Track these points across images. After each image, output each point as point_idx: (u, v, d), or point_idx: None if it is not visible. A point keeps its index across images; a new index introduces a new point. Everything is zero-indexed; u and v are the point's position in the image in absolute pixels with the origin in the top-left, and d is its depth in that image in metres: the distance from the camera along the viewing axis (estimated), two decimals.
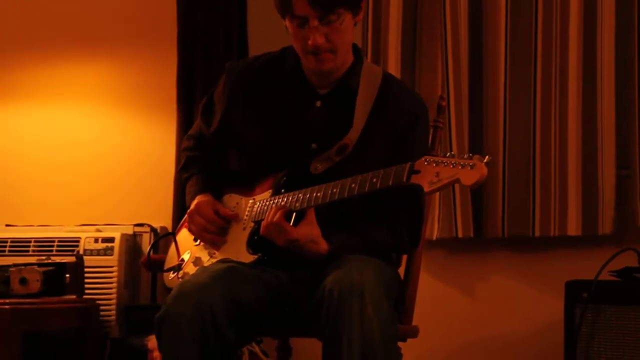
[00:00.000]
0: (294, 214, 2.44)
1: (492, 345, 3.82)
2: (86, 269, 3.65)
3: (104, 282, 3.85)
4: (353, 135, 2.51)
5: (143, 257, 3.61)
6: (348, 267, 2.31)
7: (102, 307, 3.79)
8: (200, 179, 2.74)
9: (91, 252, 3.87)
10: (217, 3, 4.13)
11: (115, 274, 3.86)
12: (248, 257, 2.51)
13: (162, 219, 4.04)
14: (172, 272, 2.69)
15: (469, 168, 2.10)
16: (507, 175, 3.74)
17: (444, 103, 2.91)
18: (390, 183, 2.24)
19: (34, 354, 3.57)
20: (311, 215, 2.43)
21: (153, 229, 3.97)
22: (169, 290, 2.61)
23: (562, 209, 3.66)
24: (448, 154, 2.17)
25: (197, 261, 2.63)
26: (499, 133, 3.76)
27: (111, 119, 4.35)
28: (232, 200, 2.67)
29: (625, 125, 3.68)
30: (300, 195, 2.43)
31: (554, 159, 3.68)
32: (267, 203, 2.53)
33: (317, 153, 2.54)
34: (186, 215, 2.73)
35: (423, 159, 2.18)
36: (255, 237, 2.53)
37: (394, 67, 3.86)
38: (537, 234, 3.69)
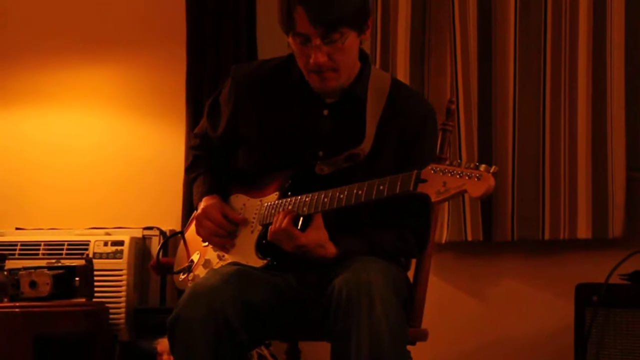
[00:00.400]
0: (301, 218, 2.45)
1: (501, 349, 3.81)
2: (96, 272, 3.65)
3: (114, 285, 3.86)
4: (365, 146, 2.50)
5: (152, 260, 3.62)
6: (357, 268, 2.30)
7: (111, 310, 3.79)
8: (207, 179, 2.74)
9: (101, 256, 3.87)
10: (226, 7, 4.13)
11: (124, 277, 3.87)
12: (257, 262, 2.51)
13: (171, 222, 4.04)
14: (182, 273, 2.69)
15: (476, 179, 2.11)
16: (516, 177, 3.73)
17: (453, 106, 2.91)
18: (397, 191, 2.24)
19: (44, 357, 3.57)
20: (318, 220, 2.43)
21: (162, 232, 3.97)
22: (180, 291, 2.61)
23: (572, 212, 3.65)
24: (455, 162, 2.16)
25: (206, 263, 2.63)
26: (508, 136, 3.75)
27: (120, 122, 4.35)
28: (239, 201, 2.67)
29: (635, 128, 3.68)
30: (307, 199, 2.43)
31: (564, 161, 3.67)
32: (275, 206, 2.53)
33: (325, 159, 2.54)
34: (194, 214, 2.74)
35: (430, 167, 2.18)
36: (264, 242, 2.53)
37: (402, 71, 3.86)
38: (546, 237, 3.68)
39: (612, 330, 3.10)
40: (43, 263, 3.66)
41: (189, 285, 2.57)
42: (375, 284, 2.25)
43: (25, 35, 4.44)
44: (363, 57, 2.61)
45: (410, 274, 2.71)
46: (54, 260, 3.71)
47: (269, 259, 2.50)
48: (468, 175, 2.12)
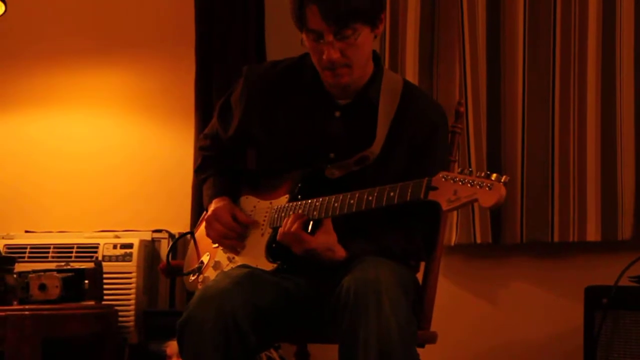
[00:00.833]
0: (311, 222, 2.45)
1: (511, 352, 3.80)
2: (105, 275, 3.66)
3: (123, 288, 3.86)
4: (375, 148, 2.50)
5: (161, 262, 3.62)
6: (365, 267, 2.31)
7: (120, 313, 3.80)
8: (217, 181, 2.75)
9: (110, 258, 3.88)
10: (235, 9, 4.13)
11: (133, 279, 3.87)
12: (267, 265, 2.51)
13: (181, 225, 4.04)
14: (191, 274, 2.70)
15: (487, 189, 2.11)
16: (525, 180, 3.72)
17: (462, 109, 2.91)
18: (408, 199, 2.25)
19: (54, 359, 3.58)
20: (328, 224, 2.43)
21: (171, 235, 3.98)
22: (190, 293, 2.62)
23: (581, 214, 3.64)
24: (466, 170, 2.16)
25: (216, 265, 2.64)
26: (517, 138, 3.74)
27: (129, 124, 4.36)
28: (249, 203, 2.67)
29: None
30: (317, 203, 2.43)
31: (573, 164, 3.67)
32: (285, 209, 2.53)
33: (335, 162, 2.54)
34: (203, 215, 2.74)
35: (440, 175, 2.18)
36: (274, 245, 2.53)
37: (411, 73, 3.86)
38: (556, 239, 3.68)
39: (621, 333, 3.09)
40: (52, 266, 3.67)
41: (199, 287, 2.58)
42: (383, 283, 2.25)
43: (35, 39, 4.45)
44: (376, 59, 2.61)
45: (420, 276, 2.71)
46: (63, 263, 3.72)
47: (279, 262, 2.51)
48: (479, 185, 2.12)
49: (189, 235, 2.86)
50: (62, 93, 4.41)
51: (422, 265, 2.76)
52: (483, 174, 2.14)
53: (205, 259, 2.70)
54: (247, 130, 2.68)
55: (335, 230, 2.44)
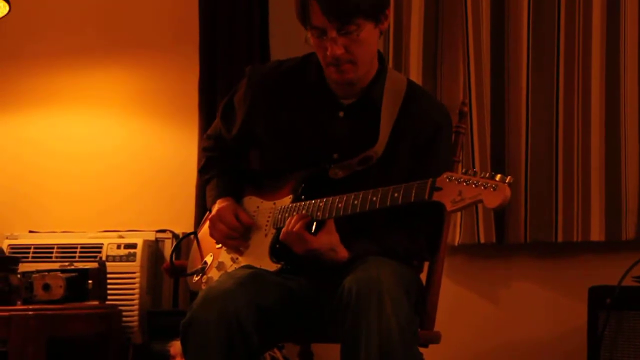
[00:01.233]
0: (315, 222, 2.45)
1: (514, 351, 3.80)
2: (109, 275, 3.66)
3: (127, 288, 3.87)
4: (378, 148, 2.50)
5: (165, 263, 3.62)
6: (367, 267, 2.31)
7: (124, 313, 3.80)
8: (220, 181, 2.75)
9: (114, 258, 3.88)
10: (238, 10, 4.14)
11: (137, 279, 3.88)
12: (271, 266, 2.51)
13: (184, 225, 4.05)
14: (195, 275, 2.70)
15: (491, 189, 2.10)
16: (529, 179, 3.72)
17: (466, 108, 2.91)
18: (412, 199, 2.24)
19: (58, 359, 3.58)
20: (330, 224, 2.43)
21: (175, 235, 3.98)
22: (193, 293, 2.62)
23: (585, 215, 3.64)
24: (470, 171, 2.16)
25: (220, 266, 2.64)
26: (521, 138, 3.74)
27: (133, 125, 4.37)
28: (253, 203, 2.67)
29: None
30: (321, 204, 2.43)
31: (577, 164, 3.67)
32: (288, 209, 2.53)
33: (339, 163, 2.54)
34: (207, 215, 2.74)
35: (445, 175, 2.18)
36: (277, 245, 2.53)
37: (415, 73, 3.86)
38: (560, 239, 3.68)
39: (625, 333, 3.09)
40: (56, 266, 3.67)
41: (203, 287, 2.57)
42: (385, 283, 2.25)
43: (37, 39, 4.46)
44: (380, 59, 2.61)
45: (423, 276, 2.71)
46: (67, 263, 3.73)
47: (282, 262, 2.50)
48: (484, 186, 2.11)
49: (192, 236, 2.86)
50: (65, 93, 4.42)
51: (426, 265, 2.76)
52: (487, 175, 2.14)
53: (208, 259, 2.70)
54: (250, 130, 2.68)
55: (338, 230, 2.43)
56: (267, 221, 2.60)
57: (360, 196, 2.35)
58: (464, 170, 2.17)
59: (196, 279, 2.69)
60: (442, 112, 2.62)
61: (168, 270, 3.12)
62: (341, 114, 2.58)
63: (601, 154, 3.65)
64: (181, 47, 4.27)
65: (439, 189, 2.18)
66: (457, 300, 3.80)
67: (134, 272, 3.88)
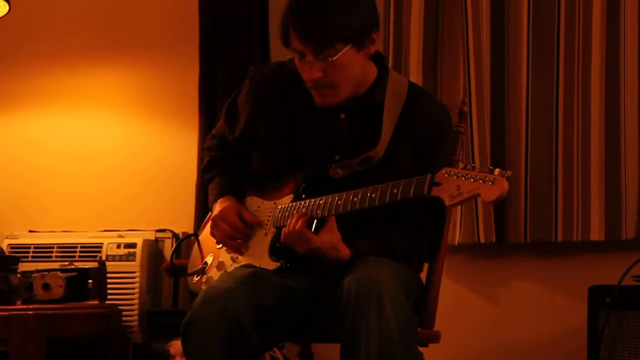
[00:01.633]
0: (315, 221, 2.45)
1: (514, 351, 3.80)
2: (108, 275, 3.66)
3: (127, 287, 3.87)
4: (380, 149, 2.50)
5: (165, 262, 3.62)
6: (366, 267, 2.31)
7: (124, 313, 3.80)
8: (223, 180, 2.75)
9: (113, 258, 3.88)
10: (238, 9, 4.14)
11: (137, 279, 3.88)
12: (271, 264, 2.51)
13: (184, 224, 4.05)
14: (195, 275, 2.70)
15: (490, 183, 2.10)
16: (529, 179, 3.72)
17: (466, 108, 2.91)
18: (411, 195, 2.24)
19: (58, 359, 3.58)
20: (332, 222, 2.43)
21: (175, 235, 3.98)
22: (193, 293, 2.62)
23: (585, 214, 3.64)
24: (469, 166, 2.16)
25: (220, 265, 2.64)
26: (521, 137, 3.74)
27: (133, 125, 4.37)
28: (254, 203, 2.68)
29: None
30: (321, 202, 2.43)
31: (577, 163, 3.67)
32: (289, 208, 2.53)
33: (339, 162, 2.54)
34: (208, 216, 2.74)
35: (444, 170, 2.18)
36: (277, 244, 2.53)
37: (415, 73, 3.86)
38: (559, 239, 3.68)
39: (625, 332, 3.09)
40: (56, 265, 3.67)
41: (203, 287, 2.57)
42: (384, 283, 2.25)
43: (37, 38, 4.46)
44: (380, 61, 2.60)
45: (423, 276, 2.71)
46: (67, 263, 3.72)
47: (282, 261, 2.51)
48: (482, 179, 2.12)
49: (193, 237, 2.87)
50: (65, 93, 4.42)
51: (426, 264, 2.76)
52: (486, 169, 2.14)
53: (209, 259, 2.70)
54: (253, 131, 2.68)
55: (340, 229, 2.43)
56: (268, 220, 2.60)
57: (360, 193, 2.35)
58: (463, 165, 2.18)
59: (196, 279, 2.70)
60: (443, 113, 2.62)
61: (168, 270, 3.12)
62: (342, 115, 2.57)
63: (601, 153, 3.65)
64: (181, 46, 4.28)
65: (438, 184, 2.18)
66: (457, 300, 3.80)
67: (133, 272, 3.88)
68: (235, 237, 2.61)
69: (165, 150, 4.31)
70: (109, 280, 3.66)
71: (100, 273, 3.60)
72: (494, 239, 3.74)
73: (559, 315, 3.73)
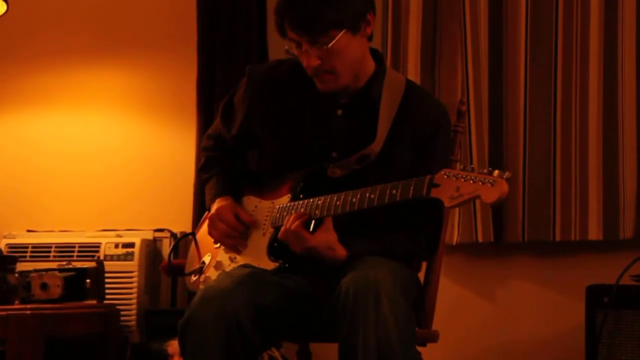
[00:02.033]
0: (313, 221, 2.45)
1: (512, 351, 3.80)
2: (106, 274, 3.66)
3: (125, 287, 3.87)
4: (376, 146, 2.49)
5: (163, 262, 3.62)
6: (364, 267, 2.31)
7: (122, 312, 3.80)
8: (220, 180, 2.75)
9: (111, 258, 3.88)
10: (237, 9, 4.14)
11: (135, 279, 3.88)
12: (269, 264, 2.51)
13: (182, 224, 4.05)
14: (193, 275, 2.70)
15: (489, 185, 2.10)
16: (527, 179, 3.72)
17: (464, 107, 2.91)
18: (410, 196, 2.24)
19: (56, 359, 3.58)
20: (328, 222, 2.43)
21: (173, 234, 3.98)
22: (191, 293, 2.61)
23: (582, 214, 3.64)
24: (468, 167, 2.16)
25: (218, 265, 2.64)
26: (519, 137, 3.74)
27: (131, 125, 4.36)
28: (251, 203, 2.67)
29: None
30: (319, 202, 2.43)
31: (575, 163, 3.67)
32: (287, 208, 2.53)
33: (337, 161, 2.54)
34: (205, 215, 2.73)
35: (443, 172, 2.18)
36: (275, 244, 2.53)
37: (413, 72, 3.86)
38: (557, 238, 3.68)
39: (623, 332, 3.09)
40: (54, 265, 3.67)
41: (201, 287, 2.57)
42: (382, 283, 2.25)
43: (36, 38, 4.46)
44: (378, 58, 2.60)
45: (421, 276, 2.71)
46: (65, 263, 3.72)
47: (280, 261, 2.50)
48: (482, 181, 2.11)
49: (190, 237, 2.86)
50: (63, 93, 4.42)
51: (424, 264, 2.76)
52: (485, 171, 2.14)
53: (206, 259, 2.70)
54: (250, 130, 2.68)
55: (338, 230, 2.43)
56: (266, 220, 2.60)
57: (359, 194, 2.35)
58: (461, 167, 2.17)
59: (194, 278, 2.70)
60: (441, 111, 2.62)
61: (166, 270, 3.12)
62: (339, 112, 2.58)
63: (599, 153, 3.65)
64: (180, 46, 4.27)
65: (437, 185, 2.18)
66: (455, 299, 3.80)
67: (131, 272, 3.88)
68: (232, 235, 2.61)
69: (163, 149, 4.31)
70: (107, 280, 3.66)
71: (98, 273, 3.59)
72: (492, 239, 3.74)
73: (557, 314, 3.73)
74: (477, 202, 3.70)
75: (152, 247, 3.96)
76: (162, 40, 4.33)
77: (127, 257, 3.89)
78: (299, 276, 2.52)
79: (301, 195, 2.53)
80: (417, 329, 2.43)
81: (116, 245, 3.91)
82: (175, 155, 4.27)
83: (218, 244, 2.68)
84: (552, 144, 3.70)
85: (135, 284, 3.87)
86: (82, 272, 3.57)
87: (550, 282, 3.79)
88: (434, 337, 2.64)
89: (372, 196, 2.32)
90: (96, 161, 4.36)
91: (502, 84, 3.80)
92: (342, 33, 2.41)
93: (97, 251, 3.91)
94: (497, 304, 3.89)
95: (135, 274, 3.88)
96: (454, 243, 3.79)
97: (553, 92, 3.72)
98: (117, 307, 3.77)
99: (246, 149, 2.80)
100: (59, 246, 3.97)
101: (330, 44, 2.40)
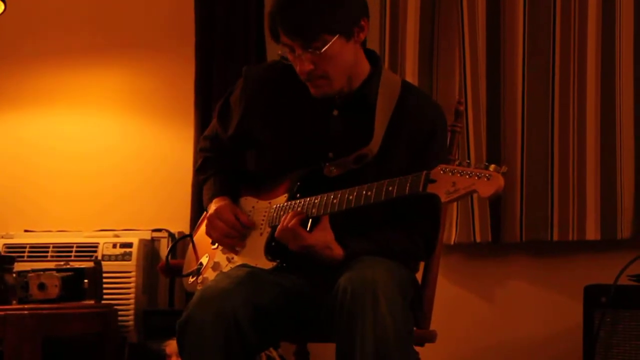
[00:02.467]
0: (310, 220, 2.45)
1: (510, 350, 3.80)
2: (104, 274, 3.66)
3: (122, 287, 3.87)
4: (373, 146, 2.50)
5: (161, 262, 3.62)
6: (362, 266, 2.31)
7: (120, 312, 3.80)
8: (217, 181, 2.75)
9: (109, 258, 3.88)
10: (235, 9, 4.14)
11: (133, 279, 3.87)
12: (267, 264, 2.51)
13: (180, 224, 4.05)
14: (190, 276, 2.70)
15: (485, 179, 2.10)
16: (525, 179, 3.72)
17: (462, 107, 2.91)
18: (407, 192, 2.24)
19: (53, 359, 3.58)
20: (325, 221, 2.43)
21: (171, 234, 3.98)
22: (188, 294, 2.61)
23: (580, 214, 3.64)
24: (464, 162, 2.16)
25: (215, 266, 2.64)
26: (517, 137, 3.75)
27: (129, 125, 4.36)
28: (248, 203, 2.67)
29: None
30: (316, 200, 2.43)
31: (573, 163, 3.67)
32: (284, 208, 2.53)
33: (334, 161, 2.54)
34: (203, 217, 2.73)
35: (439, 167, 2.18)
36: (273, 244, 2.53)
37: (411, 72, 3.86)
38: (555, 238, 3.68)
39: (620, 332, 3.09)
40: (52, 265, 3.67)
41: (199, 288, 2.57)
42: (380, 283, 2.25)
43: (34, 38, 4.46)
44: (374, 60, 2.60)
45: (419, 275, 2.71)
46: (62, 263, 3.72)
47: (278, 261, 2.50)
48: (478, 175, 2.12)
49: (188, 238, 2.86)
50: (61, 93, 4.42)
51: (422, 264, 2.76)
52: (482, 165, 2.14)
53: (204, 260, 2.70)
54: (246, 130, 2.68)
55: (335, 229, 2.43)
56: (263, 220, 2.60)
57: (355, 191, 2.35)
58: (458, 162, 2.18)
59: (191, 280, 2.69)
60: (437, 112, 2.62)
61: (163, 271, 3.12)
62: (335, 112, 2.58)
63: (597, 153, 3.65)
64: (178, 46, 4.27)
65: (433, 181, 2.18)
66: (453, 299, 3.80)
67: (129, 272, 3.88)
68: (231, 235, 2.61)
69: (161, 149, 4.31)
70: (104, 280, 3.66)
71: (96, 273, 3.59)
72: (489, 239, 3.74)
73: (555, 314, 3.73)
74: (475, 200, 3.72)
75: (150, 247, 3.96)
76: (160, 40, 4.33)
77: (125, 257, 3.89)
78: (296, 275, 2.52)
79: (298, 195, 2.53)
80: (414, 328, 2.43)
81: (114, 245, 3.91)
82: (173, 155, 4.27)
83: (216, 245, 2.68)
84: (550, 144, 3.70)
85: (133, 284, 3.87)
86: (80, 272, 3.57)
87: (548, 282, 3.79)
88: (431, 337, 2.64)
89: (369, 193, 2.32)
90: (94, 161, 4.36)
91: (500, 84, 3.80)
92: (335, 38, 2.41)
93: (95, 251, 3.91)
94: (495, 303, 3.89)
95: (133, 274, 3.88)
96: (452, 243, 3.80)
97: (550, 92, 3.72)
98: (115, 307, 3.77)
99: (243, 149, 2.80)
100: (56, 246, 3.96)
101: (324, 49, 2.41)
